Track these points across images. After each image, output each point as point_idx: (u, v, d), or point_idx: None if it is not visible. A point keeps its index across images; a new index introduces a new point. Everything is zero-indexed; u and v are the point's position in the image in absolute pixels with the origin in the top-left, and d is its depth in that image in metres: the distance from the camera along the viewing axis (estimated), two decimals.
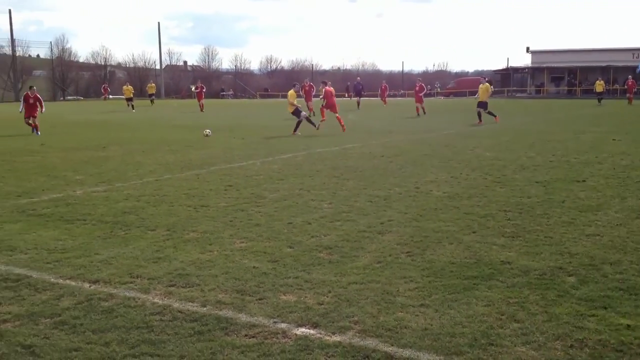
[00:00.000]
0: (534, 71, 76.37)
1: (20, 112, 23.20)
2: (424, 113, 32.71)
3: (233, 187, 10.48)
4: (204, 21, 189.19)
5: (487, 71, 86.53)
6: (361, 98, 45.81)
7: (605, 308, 4.82)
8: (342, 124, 22.66)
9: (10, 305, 5.05)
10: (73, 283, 5.59)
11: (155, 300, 5.12)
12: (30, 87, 23.98)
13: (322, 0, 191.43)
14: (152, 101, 55.42)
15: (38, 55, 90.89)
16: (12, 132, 21.91)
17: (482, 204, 8.79)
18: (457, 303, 4.96)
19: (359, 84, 48.19)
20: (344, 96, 61.45)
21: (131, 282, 5.58)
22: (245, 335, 4.40)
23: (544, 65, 74.04)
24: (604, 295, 5.08)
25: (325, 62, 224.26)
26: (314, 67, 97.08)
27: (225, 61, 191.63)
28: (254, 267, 5.99)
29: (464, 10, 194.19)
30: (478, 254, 6.34)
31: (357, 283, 5.47)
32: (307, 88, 31.27)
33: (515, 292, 5.20)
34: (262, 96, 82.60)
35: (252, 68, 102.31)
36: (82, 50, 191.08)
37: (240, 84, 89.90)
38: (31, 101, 22.82)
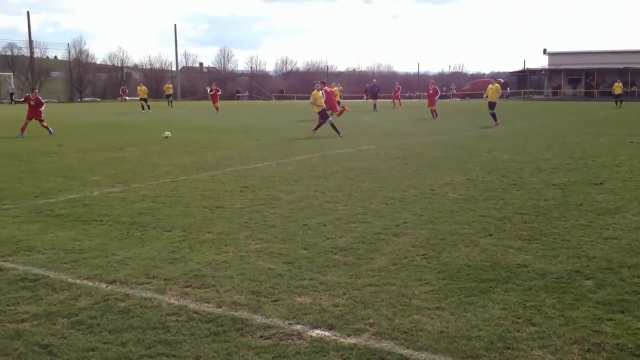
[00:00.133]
0: (551, 73, 75.88)
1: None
2: (436, 116, 32.35)
3: (248, 189, 10.51)
4: (220, 23, 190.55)
5: (503, 73, 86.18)
6: (377, 100, 45.75)
7: (623, 312, 4.77)
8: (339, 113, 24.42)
9: (28, 305, 5.10)
10: (90, 283, 5.63)
11: (172, 300, 5.15)
12: (32, 90, 23.99)
13: (336, 2, 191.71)
14: (169, 102, 53.38)
15: (56, 57, 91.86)
16: (30, 134, 22.10)
17: (498, 207, 8.75)
18: (473, 306, 4.94)
19: (375, 85, 48.28)
20: (362, 98, 61.40)
21: (147, 283, 5.62)
22: (261, 337, 4.41)
23: (561, 67, 73.52)
24: (622, 299, 5.03)
25: (341, 63, 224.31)
26: (329, 69, 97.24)
27: (240, 63, 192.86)
28: (269, 268, 6.00)
29: (480, 12, 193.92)
30: (494, 257, 6.30)
31: (372, 285, 5.47)
32: (328, 91, 31.44)
33: (532, 295, 5.17)
34: (278, 98, 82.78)
35: (267, 70, 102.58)
36: (99, 51, 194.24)
37: (255, 85, 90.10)
38: (32, 103, 22.86)
